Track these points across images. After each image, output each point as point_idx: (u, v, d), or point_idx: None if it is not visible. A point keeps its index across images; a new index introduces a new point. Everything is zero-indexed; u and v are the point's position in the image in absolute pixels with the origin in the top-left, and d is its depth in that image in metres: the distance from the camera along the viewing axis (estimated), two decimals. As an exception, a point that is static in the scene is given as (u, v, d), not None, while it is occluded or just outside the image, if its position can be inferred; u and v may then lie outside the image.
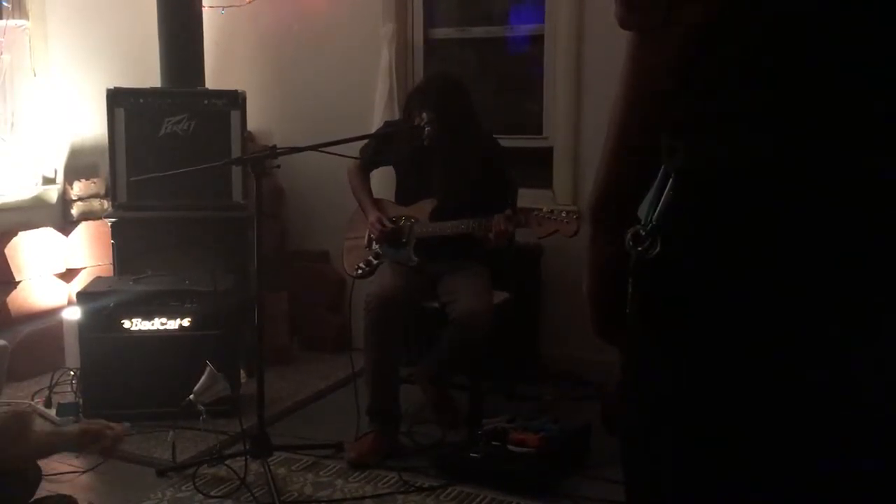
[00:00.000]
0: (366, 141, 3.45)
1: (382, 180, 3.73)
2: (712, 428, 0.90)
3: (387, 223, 3.35)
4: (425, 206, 3.34)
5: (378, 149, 3.47)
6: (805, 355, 0.86)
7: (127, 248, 3.86)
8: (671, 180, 0.93)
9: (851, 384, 0.85)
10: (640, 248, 0.94)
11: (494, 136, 3.47)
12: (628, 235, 0.95)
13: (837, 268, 0.84)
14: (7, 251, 4.00)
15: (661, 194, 0.94)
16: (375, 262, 3.39)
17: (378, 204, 3.47)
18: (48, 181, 4.30)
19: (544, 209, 3.08)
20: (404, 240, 3.33)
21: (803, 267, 0.85)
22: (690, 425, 0.92)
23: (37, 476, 2.49)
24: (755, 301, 0.87)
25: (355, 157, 3.44)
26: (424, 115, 3.23)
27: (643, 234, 0.94)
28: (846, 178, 0.84)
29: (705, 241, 0.91)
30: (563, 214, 3.02)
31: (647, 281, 0.96)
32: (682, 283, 0.93)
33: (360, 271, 3.42)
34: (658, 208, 0.94)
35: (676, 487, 0.95)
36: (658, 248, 0.93)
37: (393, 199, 3.51)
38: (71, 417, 3.40)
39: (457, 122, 3.28)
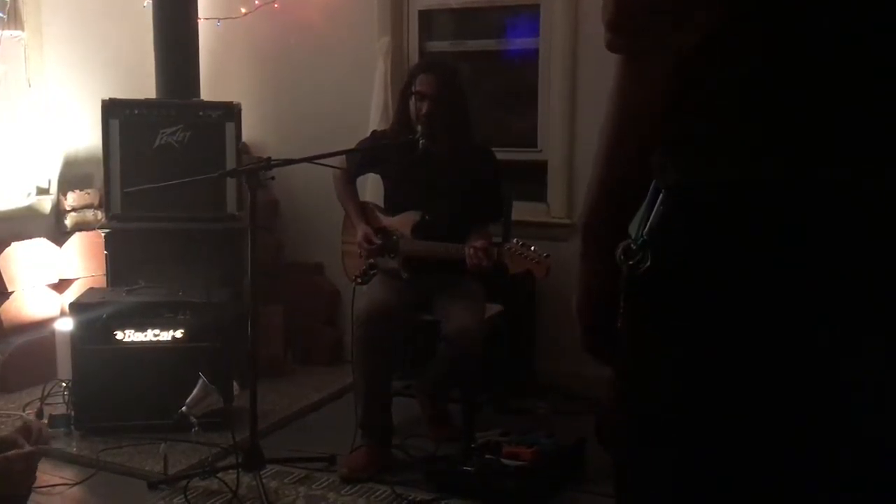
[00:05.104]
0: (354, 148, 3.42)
1: (377, 182, 3.72)
2: (707, 436, 0.91)
3: (375, 240, 3.30)
4: (408, 220, 3.28)
5: (364, 159, 3.42)
6: (803, 366, 0.86)
7: (120, 259, 3.85)
8: (662, 195, 0.94)
9: (838, 390, 0.85)
10: (630, 263, 0.95)
11: (492, 148, 3.42)
12: (619, 250, 0.96)
13: (835, 277, 0.85)
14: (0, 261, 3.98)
15: (652, 210, 0.95)
16: (371, 272, 3.38)
17: (365, 210, 3.45)
18: (42, 191, 4.29)
19: (517, 242, 2.98)
20: (393, 255, 3.30)
21: (798, 277, 0.86)
22: (685, 434, 0.92)
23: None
24: (748, 311, 0.88)
25: (341, 168, 3.41)
26: (424, 107, 3.18)
27: (634, 248, 0.95)
28: (846, 189, 0.84)
29: (697, 255, 0.92)
30: (535, 253, 2.93)
31: (638, 295, 0.96)
32: (673, 296, 0.93)
33: (358, 280, 3.40)
34: (649, 223, 0.94)
35: (675, 497, 0.95)
36: (649, 263, 0.94)
37: (382, 204, 3.49)
38: (62, 430, 3.38)
39: (455, 104, 3.23)
